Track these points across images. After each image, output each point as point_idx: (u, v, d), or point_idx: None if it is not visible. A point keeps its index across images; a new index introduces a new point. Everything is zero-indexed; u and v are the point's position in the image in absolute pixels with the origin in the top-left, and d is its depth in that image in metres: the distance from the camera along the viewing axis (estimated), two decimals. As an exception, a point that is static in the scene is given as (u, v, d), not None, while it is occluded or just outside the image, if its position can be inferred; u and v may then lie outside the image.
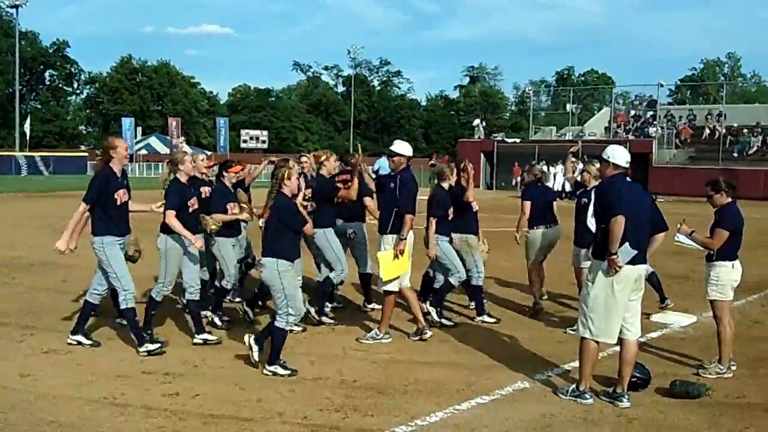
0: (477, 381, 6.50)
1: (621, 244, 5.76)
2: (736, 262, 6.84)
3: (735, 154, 36.06)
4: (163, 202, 7.62)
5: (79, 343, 7.41)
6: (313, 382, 6.43)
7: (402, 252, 7.63)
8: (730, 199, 6.85)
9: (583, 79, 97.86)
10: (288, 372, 6.60)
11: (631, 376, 6.14)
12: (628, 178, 6.11)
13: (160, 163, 60.38)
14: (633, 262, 5.84)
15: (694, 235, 6.78)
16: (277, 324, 6.67)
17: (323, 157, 8.70)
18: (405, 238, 7.62)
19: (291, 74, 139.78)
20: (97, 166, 7.75)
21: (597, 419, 5.65)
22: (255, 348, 6.76)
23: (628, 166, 6.13)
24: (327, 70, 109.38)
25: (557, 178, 31.44)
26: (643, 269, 6.00)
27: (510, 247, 10.88)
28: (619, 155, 6.10)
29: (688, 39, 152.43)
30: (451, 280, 8.52)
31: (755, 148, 36.87)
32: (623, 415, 5.73)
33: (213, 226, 7.87)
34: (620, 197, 5.85)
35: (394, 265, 7.66)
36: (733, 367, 6.83)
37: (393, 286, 7.74)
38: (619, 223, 5.73)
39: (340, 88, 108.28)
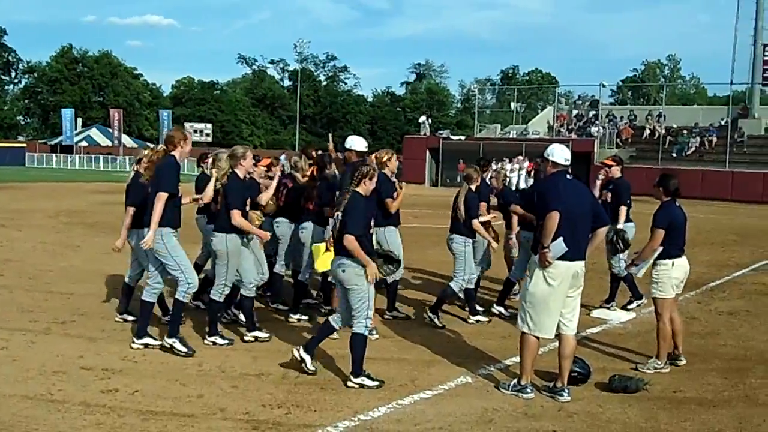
0: (420, 376, 6.52)
1: (554, 240, 5.83)
2: (678, 260, 6.94)
3: (674, 154, 36.86)
4: (198, 196, 7.83)
5: (147, 345, 7.13)
6: (256, 378, 6.37)
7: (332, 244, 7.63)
8: (667, 198, 6.98)
9: (527, 78, 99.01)
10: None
11: (571, 371, 6.23)
12: (568, 176, 6.18)
13: (101, 156, 59.34)
14: (571, 258, 5.89)
15: (640, 258, 6.91)
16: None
17: (386, 157, 8.50)
18: None
19: (236, 67, 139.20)
20: (157, 157, 7.49)
21: (538, 413, 5.71)
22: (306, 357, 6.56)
23: (567, 164, 6.21)
24: (273, 64, 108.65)
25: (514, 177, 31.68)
26: (581, 265, 6.04)
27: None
28: (558, 153, 6.18)
29: (631, 40, 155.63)
30: (453, 284, 8.48)
31: (693, 149, 37.76)
32: (563, 409, 5.81)
33: (257, 222, 7.87)
34: (558, 195, 5.92)
35: (327, 257, 7.67)
36: (683, 361, 6.98)
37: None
38: (553, 218, 5.79)
39: (286, 83, 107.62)
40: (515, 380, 6.11)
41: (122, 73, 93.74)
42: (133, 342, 7.17)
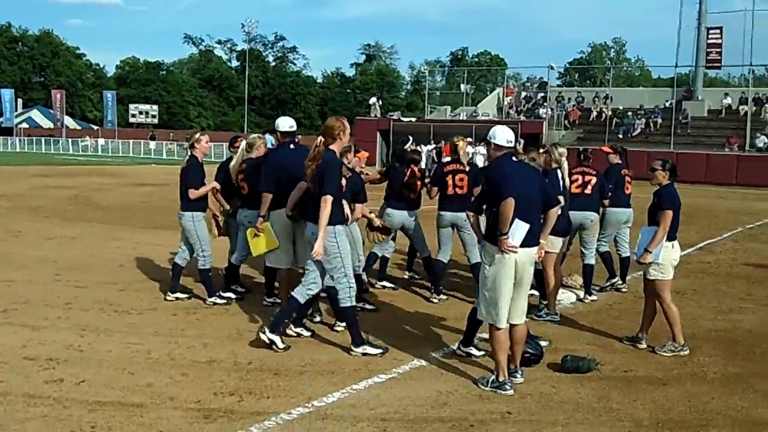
0: (374, 360, 6.46)
1: (511, 225, 5.71)
2: (675, 242, 7.03)
3: (620, 136, 37.39)
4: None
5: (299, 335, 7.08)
6: (207, 365, 6.24)
7: (261, 230, 7.57)
8: (668, 181, 7.06)
9: (477, 60, 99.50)
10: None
11: (524, 352, 6.23)
12: (514, 158, 6.03)
13: (42, 138, 57.94)
14: (525, 244, 5.77)
15: (654, 243, 6.87)
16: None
17: (461, 143, 8.73)
18: (262, 216, 7.57)
19: (182, 47, 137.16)
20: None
21: (491, 395, 5.70)
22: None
23: (511, 145, 6.02)
24: (220, 44, 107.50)
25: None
26: (533, 251, 5.93)
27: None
28: (499, 135, 6.00)
29: (578, 23, 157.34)
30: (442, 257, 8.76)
31: (639, 130, 38.43)
32: (517, 390, 5.81)
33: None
34: (507, 178, 5.76)
35: (257, 242, 7.68)
36: (686, 351, 6.94)
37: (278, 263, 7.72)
38: (509, 205, 5.64)
39: (234, 63, 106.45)
40: (493, 376, 5.93)
41: (64, 53, 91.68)
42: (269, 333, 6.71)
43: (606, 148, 10.03)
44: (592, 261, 9.20)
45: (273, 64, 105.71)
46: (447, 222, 8.59)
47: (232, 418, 5.13)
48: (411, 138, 34.98)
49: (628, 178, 9.65)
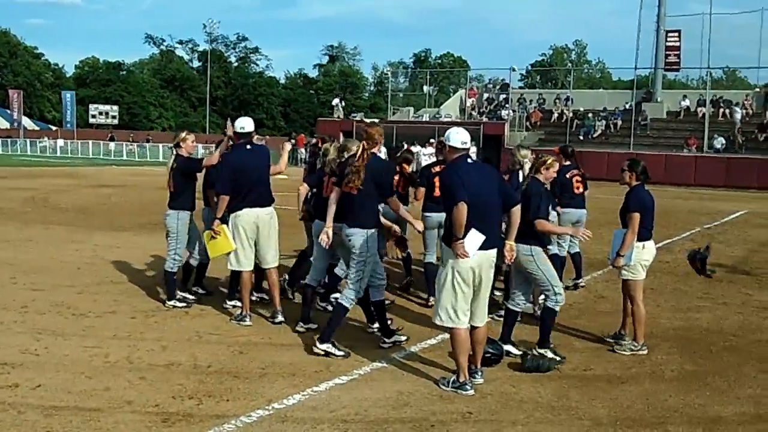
0: (335, 362, 6.45)
1: (467, 231, 5.63)
2: (648, 243, 7.09)
3: (581, 137, 37.85)
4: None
5: (327, 353, 6.65)
6: (165, 369, 6.17)
7: (217, 232, 7.65)
8: (637, 183, 7.13)
9: (440, 61, 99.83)
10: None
11: (485, 352, 6.27)
12: (469, 159, 5.93)
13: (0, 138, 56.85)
14: (483, 247, 5.72)
15: (624, 247, 6.95)
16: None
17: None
18: (218, 218, 7.64)
19: (143, 47, 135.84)
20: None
21: (452, 396, 5.72)
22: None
23: (466, 147, 5.91)
24: (182, 44, 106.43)
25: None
26: (493, 254, 5.89)
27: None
28: (453, 137, 5.89)
29: (539, 25, 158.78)
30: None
31: (599, 131, 38.91)
32: (477, 390, 5.83)
33: None
34: (461, 183, 5.65)
35: (214, 244, 7.76)
36: (644, 351, 7.01)
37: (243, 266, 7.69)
38: (461, 210, 5.55)
39: (196, 64, 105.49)
40: (453, 377, 5.92)
41: (22, 53, 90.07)
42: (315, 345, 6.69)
43: (555, 150, 10.11)
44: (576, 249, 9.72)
45: (235, 64, 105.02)
46: (434, 223, 8.51)
47: (191, 422, 5.07)
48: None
49: (577, 179, 9.69)
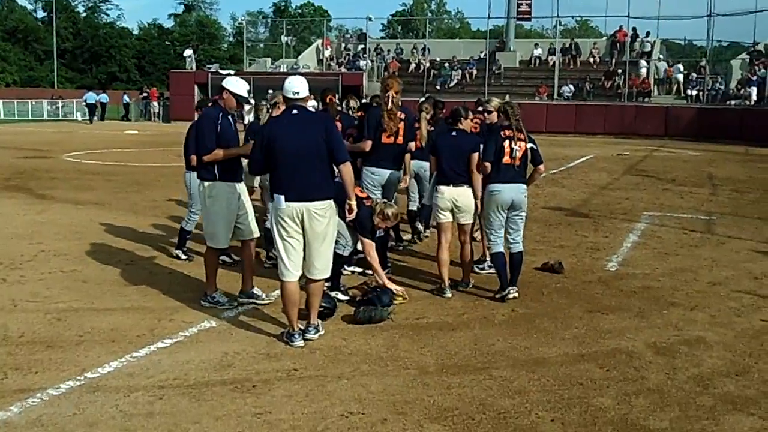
0: (160, 324, 6.15)
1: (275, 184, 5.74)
2: (441, 187, 7.22)
3: (438, 87, 38.18)
4: None
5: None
6: (-31, 342, 5.69)
7: None
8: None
9: (300, 11, 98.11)
10: None
11: (323, 307, 6.16)
12: (295, 111, 5.70)
13: None
14: (293, 199, 5.59)
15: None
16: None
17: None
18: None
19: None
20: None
21: (280, 353, 5.56)
22: None
23: (297, 96, 5.71)
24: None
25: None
26: (308, 207, 5.63)
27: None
28: (286, 86, 5.77)
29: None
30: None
31: (455, 81, 39.41)
32: (307, 345, 5.70)
33: None
34: (274, 136, 5.71)
35: None
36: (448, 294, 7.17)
37: None
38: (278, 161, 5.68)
39: (40, 14, 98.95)
40: (287, 330, 5.81)
41: None
42: None
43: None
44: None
45: (84, 14, 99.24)
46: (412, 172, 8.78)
47: (-10, 399, 4.68)
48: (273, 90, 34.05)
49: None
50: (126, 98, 47.60)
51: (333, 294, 6.70)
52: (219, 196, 6.57)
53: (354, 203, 5.89)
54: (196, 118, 7.40)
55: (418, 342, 5.88)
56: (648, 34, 38.87)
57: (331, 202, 5.74)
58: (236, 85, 6.57)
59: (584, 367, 5.43)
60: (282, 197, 5.61)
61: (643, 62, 37.10)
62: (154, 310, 6.54)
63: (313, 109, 6.62)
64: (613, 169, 19.77)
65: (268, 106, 7.92)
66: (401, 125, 7.92)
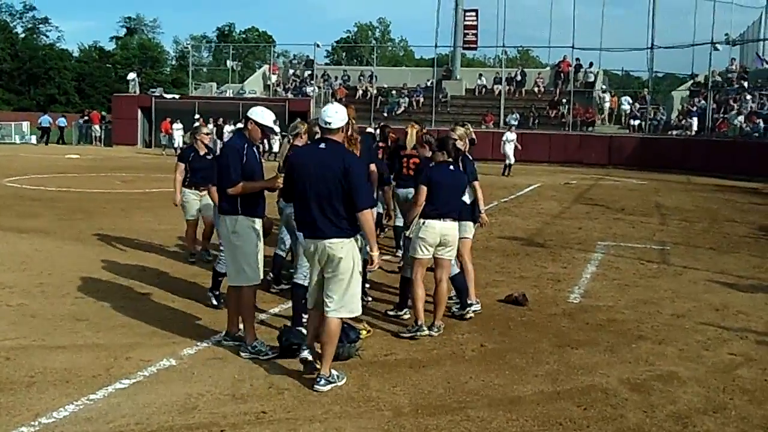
0: (117, 363, 5.82)
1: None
2: (429, 221, 6.97)
3: (385, 114, 38.23)
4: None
5: None
6: None
7: None
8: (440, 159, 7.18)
9: (244, 36, 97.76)
10: None
11: (292, 344, 5.99)
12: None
13: None
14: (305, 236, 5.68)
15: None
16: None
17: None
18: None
19: None
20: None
21: (246, 394, 5.30)
22: None
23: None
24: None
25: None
26: (312, 243, 5.57)
27: (164, 208, 10.20)
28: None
29: (345, 2, 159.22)
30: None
31: (402, 108, 39.53)
32: (273, 386, 5.46)
33: None
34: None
35: None
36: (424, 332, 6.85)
37: None
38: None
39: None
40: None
41: None
42: None
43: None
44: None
45: (22, 35, 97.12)
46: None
47: (-66, 450, 4.32)
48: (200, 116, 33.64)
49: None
50: (62, 121, 46.26)
51: (297, 329, 6.46)
52: (243, 231, 6.25)
53: (376, 254, 5.65)
54: (219, 147, 7.28)
55: (390, 381, 5.68)
56: (591, 64, 39.68)
57: (349, 240, 5.54)
58: (262, 115, 6.26)
59: (561, 406, 5.30)
60: (301, 234, 5.74)
61: (594, 92, 37.94)
62: (109, 348, 6.20)
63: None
64: (563, 197, 19.93)
65: (290, 136, 7.71)
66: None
